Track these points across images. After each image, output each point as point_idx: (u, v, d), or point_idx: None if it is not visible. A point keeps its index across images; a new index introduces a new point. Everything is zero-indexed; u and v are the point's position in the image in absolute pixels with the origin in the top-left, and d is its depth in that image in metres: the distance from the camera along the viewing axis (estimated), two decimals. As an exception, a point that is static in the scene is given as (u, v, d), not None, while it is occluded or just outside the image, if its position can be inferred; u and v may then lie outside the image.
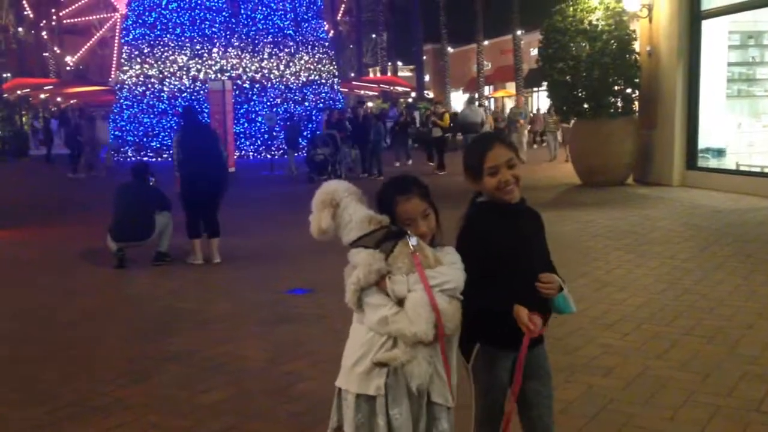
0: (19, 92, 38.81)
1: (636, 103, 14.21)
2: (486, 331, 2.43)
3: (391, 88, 43.99)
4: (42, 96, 44.08)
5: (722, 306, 5.61)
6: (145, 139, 24.62)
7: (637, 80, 13.78)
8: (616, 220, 9.84)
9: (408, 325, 2.19)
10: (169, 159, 15.15)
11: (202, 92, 23.67)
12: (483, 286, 2.33)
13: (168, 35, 24.84)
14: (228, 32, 24.69)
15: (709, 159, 13.53)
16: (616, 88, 13.67)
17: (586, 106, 13.77)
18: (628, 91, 13.87)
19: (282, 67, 25.13)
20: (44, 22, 58.38)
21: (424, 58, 49.30)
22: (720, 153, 13.60)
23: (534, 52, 25.03)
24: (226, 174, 8.05)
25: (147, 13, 25.33)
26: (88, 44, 66.09)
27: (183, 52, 24.70)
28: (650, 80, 13.84)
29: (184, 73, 24.58)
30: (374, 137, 18.32)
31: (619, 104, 13.79)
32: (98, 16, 66.01)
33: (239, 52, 24.66)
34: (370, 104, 45.81)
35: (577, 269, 6.80)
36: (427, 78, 51.03)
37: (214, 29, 24.69)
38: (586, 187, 13.61)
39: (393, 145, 22.52)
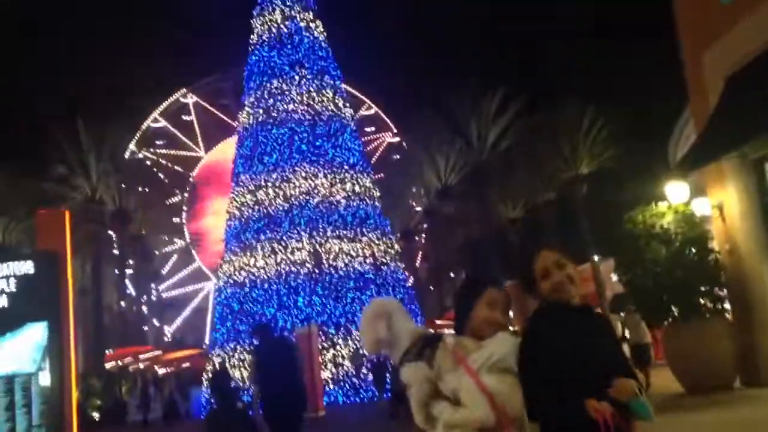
0: (120, 362, 40.53)
1: (726, 302, 13.78)
2: None
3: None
4: (141, 365, 45.83)
5: None
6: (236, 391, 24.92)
7: (722, 279, 13.49)
8: (729, 424, 9.11)
9: (468, 413, 2.17)
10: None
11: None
12: (552, 392, 2.27)
13: (256, 291, 26.19)
14: (312, 282, 25.88)
15: (819, 352, 12.65)
16: (702, 288, 13.38)
17: (674, 309, 13.43)
18: (716, 290, 13.54)
19: (365, 310, 25.79)
20: (144, 297, 62.58)
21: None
22: (829, 346, 12.74)
23: (615, 277, 24.99)
24: (304, 388, 8.10)
25: (237, 272, 26.99)
26: (183, 314, 69.78)
27: (270, 304, 25.82)
28: (736, 278, 13.49)
29: (272, 324, 25.47)
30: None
31: (709, 305, 13.40)
32: (193, 288, 70.39)
33: (323, 300, 25.59)
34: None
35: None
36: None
37: (299, 280, 25.95)
38: (690, 395, 12.78)
39: None
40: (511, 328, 2.52)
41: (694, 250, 13.42)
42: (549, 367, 2.33)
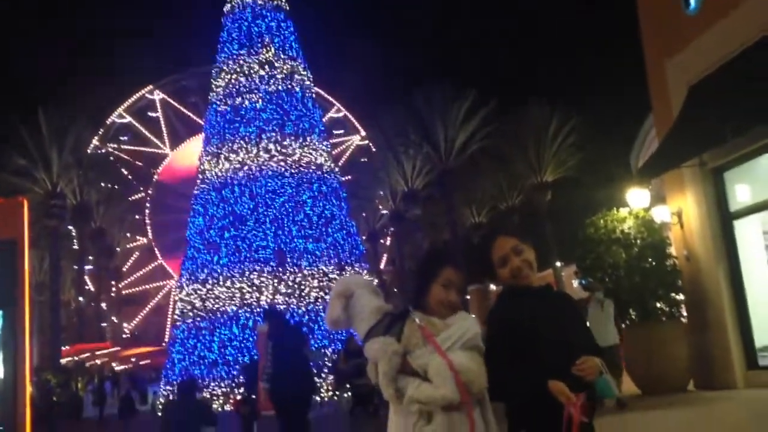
0: (76, 358, 39.89)
1: (683, 306, 14.03)
2: (528, 418, 2.34)
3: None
4: (98, 361, 45.16)
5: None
6: (195, 392, 24.74)
7: (679, 284, 13.73)
8: (679, 422, 9.33)
9: (434, 390, 2.19)
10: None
11: (251, 339, 24.13)
12: (514, 367, 2.30)
13: (218, 288, 25.98)
14: (276, 280, 25.77)
15: (770, 357, 12.96)
16: (660, 292, 13.61)
17: (632, 312, 13.64)
18: (672, 295, 13.78)
19: (328, 310, 25.79)
20: (103, 294, 61.59)
21: (468, 297, 49.96)
22: (781, 349, 13.04)
23: (575, 283, 25.33)
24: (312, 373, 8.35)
25: (199, 270, 26.75)
26: (144, 312, 68.90)
27: (233, 302, 25.64)
28: (692, 284, 13.75)
29: (234, 321, 25.30)
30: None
31: (666, 309, 13.64)
32: (154, 285, 69.53)
33: (287, 298, 25.50)
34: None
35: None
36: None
37: (262, 279, 25.82)
38: (646, 396, 13.01)
39: None
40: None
41: (652, 256, 13.63)
42: (513, 347, 2.36)
